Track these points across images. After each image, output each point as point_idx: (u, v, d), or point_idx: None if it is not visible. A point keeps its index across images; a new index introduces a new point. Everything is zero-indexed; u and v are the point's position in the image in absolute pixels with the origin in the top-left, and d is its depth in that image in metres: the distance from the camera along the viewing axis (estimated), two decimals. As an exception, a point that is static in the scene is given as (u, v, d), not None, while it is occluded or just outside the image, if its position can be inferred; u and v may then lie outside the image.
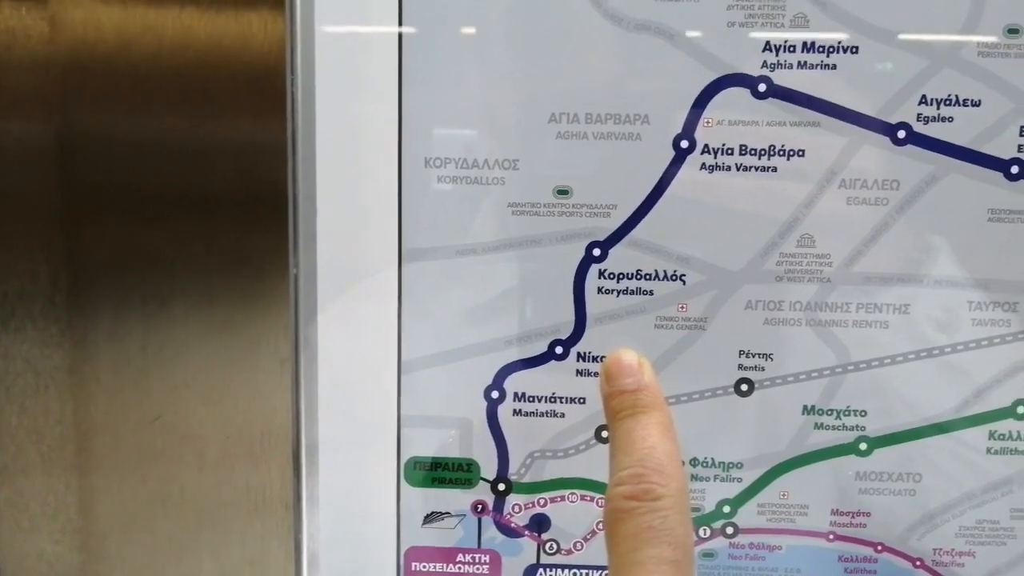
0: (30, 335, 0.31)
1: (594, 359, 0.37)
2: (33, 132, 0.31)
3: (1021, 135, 0.35)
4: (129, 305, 0.31)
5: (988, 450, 0.38)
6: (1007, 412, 0.37)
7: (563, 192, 0.36)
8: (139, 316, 0.31)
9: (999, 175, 0.36)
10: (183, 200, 0.30)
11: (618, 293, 0.37)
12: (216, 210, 0.30)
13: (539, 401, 0.38)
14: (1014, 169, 0.35)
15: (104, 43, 0.29)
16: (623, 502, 0.28)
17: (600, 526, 0.38)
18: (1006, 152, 0.35)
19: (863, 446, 0.38)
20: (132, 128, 0.31)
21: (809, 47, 0.35)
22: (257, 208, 0.30)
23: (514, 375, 0.38)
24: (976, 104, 0.35)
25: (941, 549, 0.38)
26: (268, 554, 0.32)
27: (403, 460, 0.38)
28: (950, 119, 0.35)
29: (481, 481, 0.39)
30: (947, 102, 0.35)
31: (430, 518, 0.39)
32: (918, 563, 0.38)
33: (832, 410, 0.37)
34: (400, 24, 0.35)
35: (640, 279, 0.37)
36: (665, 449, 0.29)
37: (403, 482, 0.38)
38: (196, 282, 0.31)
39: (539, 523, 0.39)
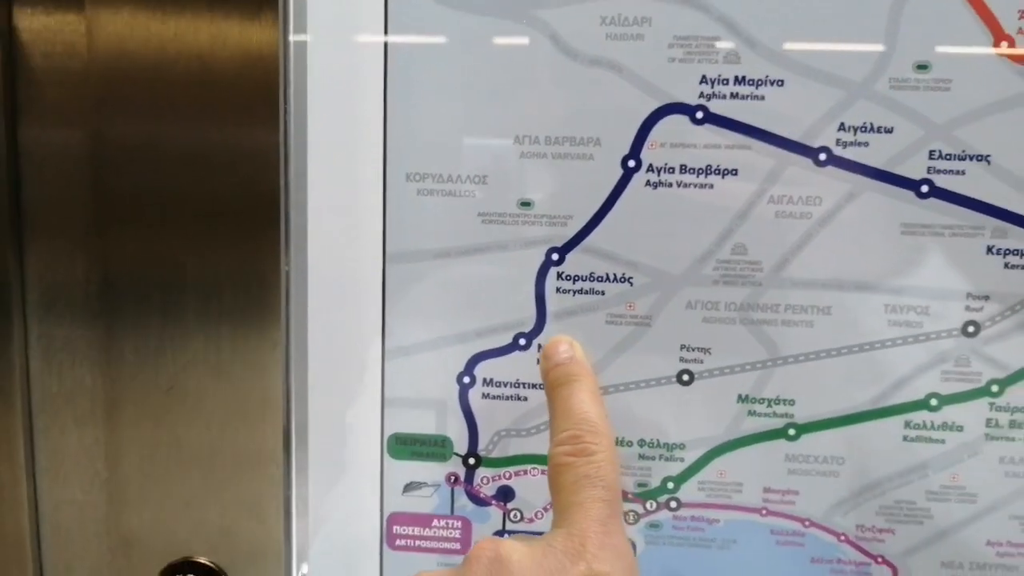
0: (67, 319, 0.37)
1: (553, 350, 0.42)
2: (68, 139, 0.36)
3: (930, 158, 0.40)
4: (149, 294, 0.37)
5: (904, 438, 0.42)
6: (921, 404, 0.42)
7: (526, 204, 0.41)
8: (157, 304, 0.37)
9: (911, 193, 0.40)
10: (191, 203, 0.36)
11: (574, 293, 0.42)
12: (219, 213, 0.36)
13: (505, 386, 0.43)
14: (924, 188, 0.40)
15: (131, 55, 0.35)
16: (564, 458, 0.34)
17: (558, 498, 0.44)
18: (917, 173, 0.40)
19: (791, 431, 0.42)
20: (148, 136, 0.36)
21: (740, 80, 0.40)
22: (255, 212, 0.36)
23: (483, 363, 0.43)
24: (889, 131, 0.40)
25: (863, 526, 0.43)
26: (263, 506, 0.38)
27: (386, 436, 0.44)
28: (866, 144, 0.40)
29: (454, 456, 0.44)
30: (863, 129, 0.40)
31: (409, 487, 0.44)
32: (842, 538, 0.43)
33: (764, 399, 0.42)
34: (386, 48, 0.41)
35: (593, 281, 0.42)
36: (596, 412, 0.35)
37: (386, 455, 0.44)
38: (204, 276, 0.36)
39: (505, 494, 0.44)
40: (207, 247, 0.36)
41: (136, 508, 0.38)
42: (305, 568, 0.42)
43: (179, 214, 0.36)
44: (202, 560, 0.38)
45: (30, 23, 0.35)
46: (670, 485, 0.43)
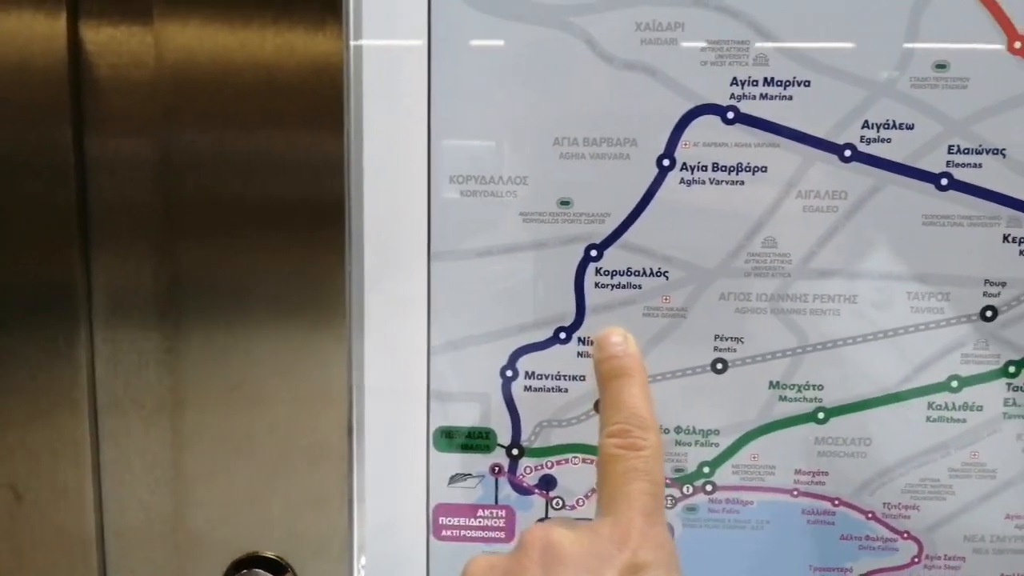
0: (134, 322, 0.38)
1: (592, 343, 0.44)
2: (136, 148, 0.38)
3: (949, 153, 0.42)
4: (216, 297, 0.38)
5: (927, 418, 0.44)
6: (943, 386, 0.44)
7: (565, 203, 0.43)
8: (224, 306, 0.38)
9: (931, 186, 0.42)
10: (259, 208, 0.37)
11: (612, 287, 0.44)
12: (287, 217, 0.37)
13: (546, 379, 0.45)
14: (943, 181, 0.42)
15: (199, 66, 0.36)
16: (615, 450, 0.36)
17: (599, 484, 0.45)
18: (936, 167, 0.42)
19: (821, 415, 0.44)
20: (216, 144, 0.37)
21: (769, 81, 0.42)
22: (322, 215, 0.37)
23: (525, 356, 0.45)
24: (910, 127, 0.42)
25: (890, 503, 0.45)
26: (327, 500, 0.39)
27: (432, 430, 0.45)
28: (888, 140, 0.42)
29: (498, 447, 0.45)
30: (885, 126, 0.42)
31: (455, 479, 0.46)
32: (870, 515, 0.45)
33: (794, 385, 0.44)
34: (429, 55, 0.42)
35: (630, 275, 0.44)
36: (646, 408, 0.36)
37: (432, 448, 0.45)
38: (270, 278, 0.38)
39: (547, 483, 0.46)
40: (274, 250, 0.37)
41: (201, 507, 0.39)
42: (363, 560, 0.43)
43: (247, 219, 0.37)
44: (268, 554, 0.39)
45: (96, 35, 0.36)
46: (706, 469, 0.45)
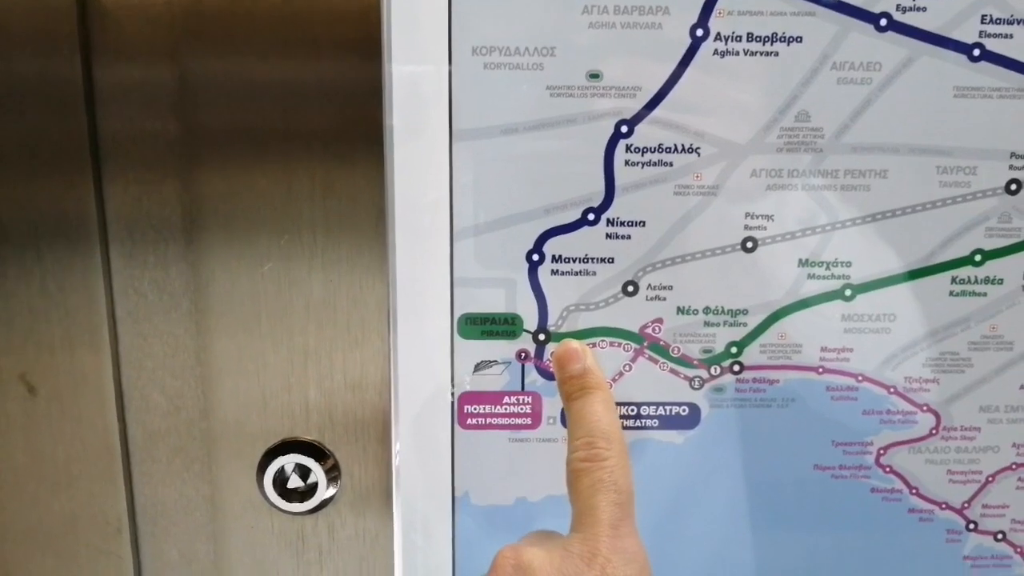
0: (154, 200, 0.36)
1: (622, 224, 0.43)
2: (154, 76, 0.34)
3: (982, 23, 0.41)
4: (238, 207, 0.35)
5: (950, 293, 0.44)
6: (966, 260, 0.44)
7: (594, 76, 0.41)
8: (249, 175, 0.35)
9: (963, 57, 0.42)
10: (290, 124, 0.34)
11: (642, 165, 0.42)
12: (318, 129, 0.34)
13: (574, 262, 0.43)
14: (976, 52, 0.41)
15: None
16: (579, 464, 0.37)
17: (627, 368, 0.45)
18: (969, 37, 0.41)
19: (848, 292, 0.44)
20: (244, 69, 0.35)
21: (807, -55, 0.40)
22: (360, 126, 0.35)
23: (552, 239, 0.43)
24: (945, -6, 0.41)
25: (911, 377, 0.45)
26: (366, 380, 0.38)
27: (456, 316, 0.44)
28: (924, 9, 0.41)
29: (524, 332, 0.44)
30: (921, -7, 0.41)
31: (480, 366, 0.45)
32: (892, 390, 0.46)
33: (823, 262, 0.44)
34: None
35: (661, 152, 0.42)
36: (608, 420, 0.39)
37: (456, 336, 0.44)
38: (302, 190, 0.35)
39: (574, 367, 0.45)
40: (306, 166, 0.35)
41: (229, 394, 0.37)
42: (398, 446, 0.42)
43: (275, 137, 0.34)
44: (307, 439, 0.37)
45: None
46: (733, 350, 0.45)
